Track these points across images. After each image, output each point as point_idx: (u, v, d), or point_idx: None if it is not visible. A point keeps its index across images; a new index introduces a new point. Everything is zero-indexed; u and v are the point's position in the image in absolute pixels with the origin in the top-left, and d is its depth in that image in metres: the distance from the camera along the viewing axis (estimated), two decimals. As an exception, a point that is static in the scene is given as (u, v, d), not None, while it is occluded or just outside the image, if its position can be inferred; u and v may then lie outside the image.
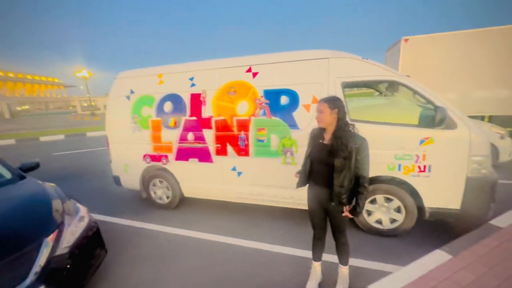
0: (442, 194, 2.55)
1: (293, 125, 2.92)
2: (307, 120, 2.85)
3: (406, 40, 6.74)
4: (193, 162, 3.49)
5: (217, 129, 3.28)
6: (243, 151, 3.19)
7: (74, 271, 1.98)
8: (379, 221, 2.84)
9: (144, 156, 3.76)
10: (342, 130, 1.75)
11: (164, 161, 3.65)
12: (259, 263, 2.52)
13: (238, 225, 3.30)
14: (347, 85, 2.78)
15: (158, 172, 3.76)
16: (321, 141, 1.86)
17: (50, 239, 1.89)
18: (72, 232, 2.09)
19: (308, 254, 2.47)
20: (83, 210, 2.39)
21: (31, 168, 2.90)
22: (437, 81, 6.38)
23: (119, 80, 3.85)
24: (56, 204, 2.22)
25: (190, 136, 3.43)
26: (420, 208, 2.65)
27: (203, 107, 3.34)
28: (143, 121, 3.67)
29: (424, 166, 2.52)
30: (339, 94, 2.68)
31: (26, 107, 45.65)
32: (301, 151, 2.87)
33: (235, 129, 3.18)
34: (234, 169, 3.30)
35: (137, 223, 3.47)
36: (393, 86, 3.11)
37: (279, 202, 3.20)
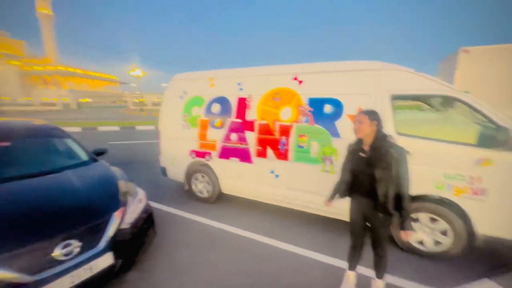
0: (500, 222, 2.34)
1: (335, 134, 2.95)
2: (351, 130, 2.85)
3: (466, 51, 6.20)
4: (234, 161, 3.72)
5: (259, 132, 3.46)
6: (282, 155, 3.31)
7: (132, 245, 2.31)
8: (421, 242, 2.70)
9: (191, 151, 4.11)
10: (380, 140, 1.79)
11: (207, 157, 3.95)
12: (289, 264, 2.60)
13: (271, 225, 3.42)
14: (396, 98, 2.73)
15: (201, 167, 4.07)
16: (360, 153, 1.90)
17: (117, 215, 2.24)
18: (132, 211, 2.43)
19: (341, 263, 2.48)
20: (141, 193, 2.74)
21: (101, 153, 3.41)
22: (500, 96, 5.73)
23: (175, 82, 4.29)
24: (122, 185, 2.60)
25: (234, 136, 3.67)
26: (471, 234, 2.45)
27: (247, 111, 3.55)
28: (192, 119, 4.03)
29: (479, 189, 2.34)
30: (387, 106, 2.65)
31: (89, 100, 52.08)
32: (341, 161, 2.88)
33: (276, 133, 3.32)
34: (272, 171, 3.43)
35: (178, 212, 3.81)
36: (448, 101, 2.94)
37: (314, 209, 3.24)
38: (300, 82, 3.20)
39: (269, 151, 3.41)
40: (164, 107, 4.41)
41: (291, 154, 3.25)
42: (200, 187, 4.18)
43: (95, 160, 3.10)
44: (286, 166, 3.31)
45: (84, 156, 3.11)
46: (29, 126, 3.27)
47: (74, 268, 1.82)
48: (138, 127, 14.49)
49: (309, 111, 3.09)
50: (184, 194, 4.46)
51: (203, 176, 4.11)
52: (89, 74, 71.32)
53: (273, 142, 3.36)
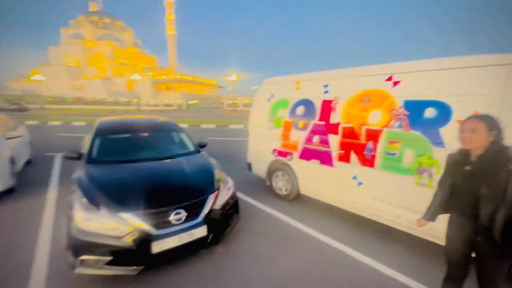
0: None
1: (438, 142, 2.52)
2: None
3: None
4: (314, 163, 3.74)
5: (343, 136, 3.34)
6: (368, 162, 3.09)
7: (220, 224, 2.75)
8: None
9: (273, 150, 4.40)
10: (497, 153, 1.44)
11: (289, 157, 4.13)
12: (366, 279, 2.44)
13: (350, 233, 3.26)
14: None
15: (282, 166, 4.30)
16: (466, 167, 1.58)
17: (212, 196, 2.73)
18: (223, 196, 2.88)
19: None
20: (230, 182, 3.20)
21: (203, 146, 4.15)
22: None
23: (265, 85, 4.69)
24: (217, 173, 3.12)
25: (316, 138, 3.69)
26: None
27: (332, 113, 3.49)
28: (277, 120, 4.30)
29: None
30: (520, 111, 2.05)
31: (195, 101, 62.64)
32: (444, 174, 2.44)
33: (362, 137, 3.13)
34: (355, 177, 3.26)
35: (259, 204, 4.16)
36: None
37: (402, 225, 2.87)
38: (396, 83, 2.90)
39: (353, 156, 3.25)
40: (254, 109, 4.90)
41: (378, 161, 2.99)
42: (280, 184, 4.41)
43: (198, 151, 3.83)
44: (372, 174, 3.07)
45: (191, 147, 3.89)
46: (157, 122, 4.37)
47: (180, 231, 2.38)
48: (231, 126, 16.38)
49: (404, 115, 2.75)
50: (265, 189, 4.81)
51: (283, 175, 4.32)
52: (196, 80, 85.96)
53: (358, 146, 3.19)
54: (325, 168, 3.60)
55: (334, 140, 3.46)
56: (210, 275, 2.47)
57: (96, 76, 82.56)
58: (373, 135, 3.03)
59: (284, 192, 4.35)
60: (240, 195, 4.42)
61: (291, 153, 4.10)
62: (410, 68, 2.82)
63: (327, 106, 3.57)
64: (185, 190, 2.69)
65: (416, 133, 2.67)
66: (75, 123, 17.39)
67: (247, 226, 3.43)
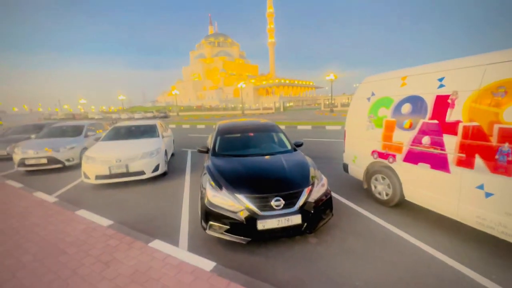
0: None
1: None
2: None
3: None
4: (423, 167, 3.32)
5: (464, 136, 2.83)
6: (502, 168, 2.50)
7: (314, 216, 2.99)
8: None
9: (373, 151, 4.18)
10: None
11: (391, 159, 3.83)
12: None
13: (470, 252, 2.73)
14: None
15: (382, 169, 4.02)
16: None
17: (307, 190, 3.02)
18: (316, 191, 3.12)
19: None
20: (324, 180, 3.39)
21: (299, 145, 4.50)
22: None
23: (364, 84, 4.51)
24: (312, 170, 3.39)
25: (426, 139, 3.27)
26: None
27: (449, 110, 3.01)
28: (378, 120, 4.06)
29: None
30: None
31: (291, 104, 64.48)
32: None
33: (493, 139, 2.56)
34: (481, 187, 2.70)
35: (354, 206, 4.07)
36: None
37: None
38: (551, 67, 2.21)
39: (478, 161, 2.70)
40: (352, 108, 4.79)
41: (518, 169, 2.37)
42: (380, 188, 4.13)
43: (295, 150, 4.21)
44: (508, 184, 2.46)
45: (289, 146, 4.32)
46: (262, 123, 5.07)
47: (279, 216, 2.81)
48: (328, 127, 16.00)
49: None
50: (362, 192, 4.62)
51: (383, 178, 4.04)
52: (292, 83, 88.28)
53: (486, 149, 2.63)
54: (438, 173, 3.13)
55: (452, 142, 2.97)
56: (303, 258, 2.77)
57: (211, 87, 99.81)
58: (511, 136, 2.42)
59: (384, 197, 4.05)
60: (335, 195, 4.49)
61: (393, 155, 3.78)
62: None
63: (443, 102, 3.10)
64: (284, 182, 3.11)
65: None
66: (199, 126, 21.89)
67: (341, 224, 3.49)
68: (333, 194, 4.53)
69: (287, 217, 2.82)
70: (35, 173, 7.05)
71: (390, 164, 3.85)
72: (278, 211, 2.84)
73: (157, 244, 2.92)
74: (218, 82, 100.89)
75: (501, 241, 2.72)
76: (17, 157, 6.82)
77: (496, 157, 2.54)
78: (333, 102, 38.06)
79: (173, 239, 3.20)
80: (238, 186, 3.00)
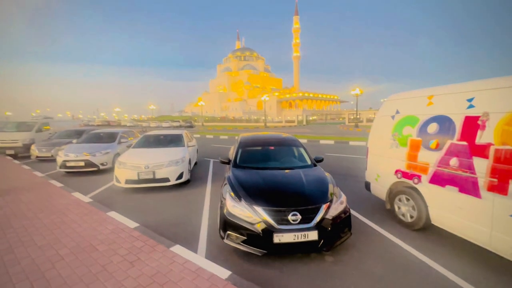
0: None
1: None
2: None
3: None
4: (451, 190, 3.16)
5: (496, 160, 2.68)
6: (539, 197, 2.33)
7: (331, 233, 2.96)
8: None
9: (396, 171, 4.06)
10: None
11: (416, 180, 3.68)
12: None
13: (501, 286, 2.50)
14: None
15: (406, 189, 3.87)
16: None
17: (325, 207, 3.02)
18: (335, 209, 3.10)
19: None
20: (343, 197, 3.36)
21: (320, 160, 4.50)
22: None
23: (389, 102, 4.45)
24: (331, 187, 3.38)
25: (454, 161, 3.14)
26: None
27: (479, 132, 2.89)
28: (402, 139, 3.96)
29: None
30: None
31: (315, 117, 63.85)
32: None
33: (529, 164, 2.40)
34: (515, 215, 2.51)
35: (375, 226, 3.93)
36: None
37: None
38: None
39: (512, 187, 2.53)
40: (375, 125, 4.72)
41: (558, 198, 2.20)
42: (404, 210, 3.96)
43: (315, 165, 4.22)
44: (546, 214, 2.28)
45: (309, 161, 4.35)
46: (283, 137, 5.17)
47: (295, 230, 2.83)
48: (351, 143, 15.58)
49: None
50: (384, 212, 4.45)
51: (407, 199, 3.88)
52: (316, 96, 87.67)
53: (521, 175, 2.47)
54: (468, 198, 2.97)
55: (482, 165, 2.82)
56: (318, 277, 2.74)
57: (236, 99, 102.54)
58: (550, 162, 2.26)
59: (409, 219, 3.87)
60: (355, 214, 4.38)
61: (419, 176, 3.64)
62: None
63: (472, 124, 2.98)
64: (302, 196, 3.15)
65: None
66: (222, 137, 22.50)
67: (360, 245, 3.40)
68: (353, 213, 4.42)
69: (303, 233, 2.83)
70: (73, 174, 7.75)
71: (415, 185, 3.70)
72: (294, 226, 2.87)
73: (178, 249, 3.07)
74: (242, 94, 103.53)
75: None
76: (59, 159, 7.57)
77: (533, 184, 2.37)
78: (358, 117, 37.03)
79: (192, 246, 3.34)
80: (257, 198, 3.09)
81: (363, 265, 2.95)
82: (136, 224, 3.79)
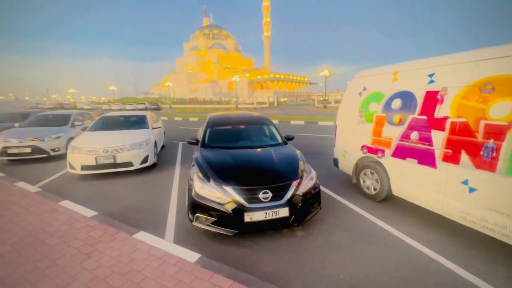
0: None
1: None
2: None
3: None
4: (411, 162, 3.35)
5: (452, 132, 2.85)
6: (485, 164, 2.54)
7: (302, 209, 2.98)
8: None
9: (362, 146, 4.20)
10: None
11: (380, 154, 3.85)
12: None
13: (455, 248, 2.78)
14: None
15: (371, 163, 4.05)
16: None
17: (295, 183, 3.00)
18: (305, 185, 3.10)
19: None
20: (313, 173, 3.37)
21: (290, 138, 4.47)
22: None
23: (356, 79, 4.49)
24: (301, 164, 3.37)
25: (414, 135, 3.30)
26: None
27: (438, 106, 3.03)
28: (369, 115, 4.06)
29: None
30: None
31: (286, 99, 64.47)
32: None
33: (479, 135, 2.58)
34: (465, 182, 2.74)
35: (343, 200, 4.10)
36: None
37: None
38: (538, 64, 2.23)
39: (464, 157, 2.73)
40: (343, 103, 4.78)
41: (501, 165, 2.41)
42: (368, 183, 4.17)
43: (286, 143, 4.18)
44: (491, 180, 2.51)
45: (279, 140, 4.29)
46: (253, 116, 5.01)
47: (267, 208, 2.78)
48: (320, 123, 16.07)
49: (549, 106, 2.10)
50: (351, 186, 4.65)
51: (372, 173, 4.07)
52: (287, 78, 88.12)
53: (472, 145, 2.66)
54: (425, 168, 3.17)
55: (439, 137, 2.99)
56: (289, 251, 2.76)
57: (205, 80, 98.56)
58: (497, 132, 2.45)
59: (372, 192, 4.09)
60: (324, 189, 4.51)
61: (382, 150, 3.81)
62: None
63: (432, 98, 3.11)
64: (272, 174, 3.08)
65: None
66: (191, 119, 21.62)
67: (329, 218, 3.51)
68: (323, 189, 4.55)
69: (274, 210, 2.80)
70: (18, 162, 6.81)
71: (379, 159, 3.87)
72: (266, 204, 2.82)
73: (142, 236, 2.86)
74: (212, 75, 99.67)
75: (482, 235, 2.78)
76: (-2, 146, 6.56)
77: (481, 153, 2.57)
78: (326, 98, 38.16)
79: (159, 231, 3.14)
80: (226, 178, 2.96)
81: (332, 237, 3.05)
82: (94, 213, 3.44)
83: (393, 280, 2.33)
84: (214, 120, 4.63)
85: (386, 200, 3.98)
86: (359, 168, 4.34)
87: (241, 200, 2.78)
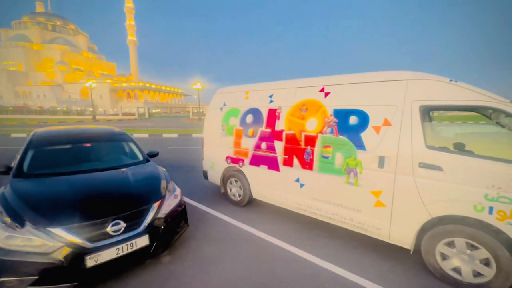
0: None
1: (359, 145, 2.89)
2: (376, 142, 2.77)
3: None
4: (263, 169, 3.95)
5: (287, 142, 3.61)
6: (307, 165, 3.39)
7: (166, 233, 2.74)
8: (457, 270, 2.40)
9: (226, 157, 4.52)
10: None
11: (241, 164, 4.28)
12: (304, 273, 2.65)
13: (296, 233, 3.48)
14: (428, 109, 2.56)
15: (235, 172, 4.43)
16: None
17: (156, 205, 2.73)
18: (168, 205, 2.89)
19: (359, 280, 2.43)
20: (178, 191, 3.22)
21: (153, 155, 4.10)
22: None
23: (218, 95, 4.83)
24: (163, 182, 3.12)
25: (264, 145, 3.91)
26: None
27: (277, 121, 3.76)
28: (229, 129, 4.45)
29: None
30: (416, 118, 2.51)
31: (158, 110, 60.26)
32: (365, 173, 2.82)
33: (302, 143, 3.43)
34: (297, 180, 3.53)
35: (212, 211, 4.21)
36: (497, 114, 2.57)
37: (338, 221, 3.18)
38: (327, 94, 3.27)
39: (295, 160, 3.52)
40: (208, 117, 4.99)
41: (315, 164, 3.30)
42: (234, 190, 4.52)
43: (148, 161, 3.77)
44: (311, 176, 3.37)
45: (140, 157, 3.81)
46: (102, 131, 4.19)
47: (119, 242, 2.34)
48: (194, 135, 16.11)
49: (334, 122, 3.11)
50: (220, 196, 4.88)
51: (236, 181, 4.45)
52: (159, 88, 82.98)
53: (299, 151, 3.47)
54: (273, 172, 3.83)
55: (279, 146, 3.71)
56: (153, 285, 2.45)
57: (44, 82, 74.69)
58: (311, 141, 3.34)
59: (237, 198, 4.46)
60: (193, 203, 4.44)
61: (242, 160, 4.26)
62: (337, 81, 3.22)
63: (273, 115, 3.83)
64: (125, 200, 2.64)
65: (343, 138, 3.03)
66: (14, 135, 15.46)
67: (197, 233, 3.46)
68: (193, 203, 4.49)
69: (130, 242, 2.39)
70: None
71: (240, 168, 4.30)
72: (117, 237, 2.36)
73: None
74: (54, 76, 76.95)
75: (312, 220, 3.67)
76: None
77: (304, 156, 3.41)
78: (201, 110, 39.18)
79: None
80: (54, 216, 2.22)
81: (200, 253, 3.01)
82: None
83: (259, 274, 2.58)
84: (41, 137, 3.46)
85: (250, 204, 4.46)
86: (225, 177, 4.63)
87: (79, 241, 2.17)
